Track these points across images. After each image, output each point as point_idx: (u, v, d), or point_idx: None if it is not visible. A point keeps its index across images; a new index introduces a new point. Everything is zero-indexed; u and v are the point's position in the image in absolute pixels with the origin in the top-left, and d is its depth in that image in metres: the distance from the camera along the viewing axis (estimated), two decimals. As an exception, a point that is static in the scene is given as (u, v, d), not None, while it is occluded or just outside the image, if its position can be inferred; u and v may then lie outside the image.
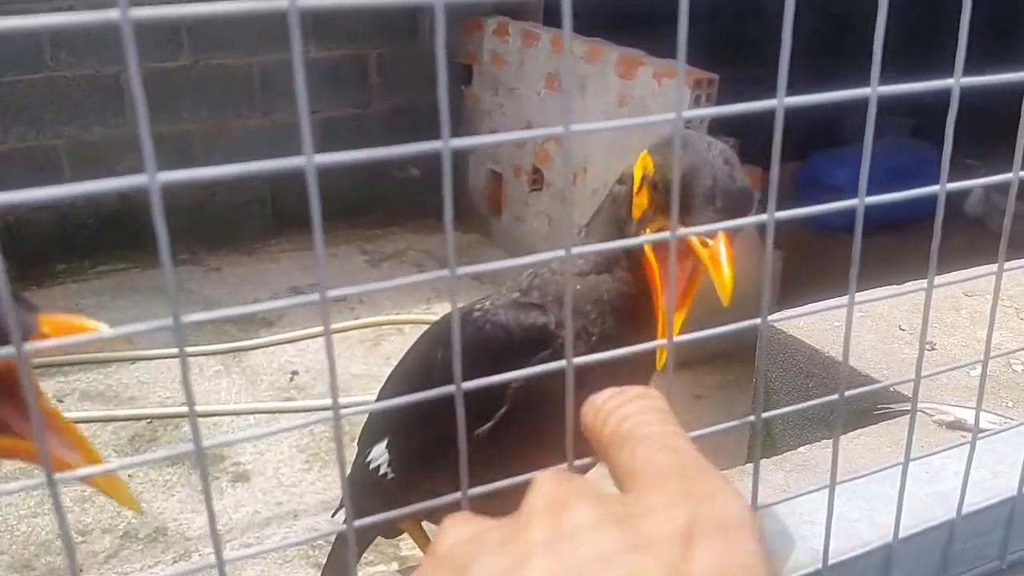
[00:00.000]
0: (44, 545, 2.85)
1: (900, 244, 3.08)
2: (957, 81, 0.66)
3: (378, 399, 1.33)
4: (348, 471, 1.35)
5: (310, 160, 0.46)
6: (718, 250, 0.92)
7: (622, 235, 1.04)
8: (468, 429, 0.89)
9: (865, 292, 1.84)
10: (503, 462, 0.86)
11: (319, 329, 3.90)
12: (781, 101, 0.60)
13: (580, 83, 4.19)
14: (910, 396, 1.60)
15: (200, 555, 2.86)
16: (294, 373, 3.74)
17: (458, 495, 0.59)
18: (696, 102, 3.68)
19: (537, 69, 4.48)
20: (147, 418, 3.45)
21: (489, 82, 4.83)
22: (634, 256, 1.02)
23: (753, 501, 0.74)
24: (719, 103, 3.70)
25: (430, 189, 4.84)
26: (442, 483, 1.14)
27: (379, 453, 1.26)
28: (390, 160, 0.46)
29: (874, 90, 0.63)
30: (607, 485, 0.46)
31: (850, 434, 1.57)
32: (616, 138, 3.96)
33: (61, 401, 3.53)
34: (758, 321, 0.67)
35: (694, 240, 0.92)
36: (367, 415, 1.34)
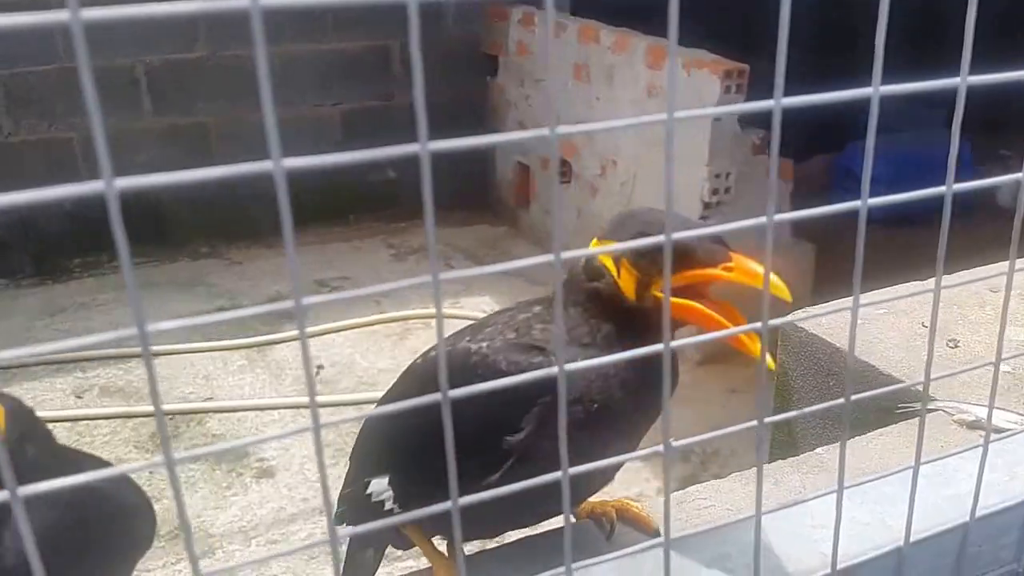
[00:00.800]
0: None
1: (929, 237, 3.00)
2: (963, 80, 0.66)
3: (366, 434, 1.32)
4: (344, 487, 1.35)
5: (278, 164, 0.45)
6: (744, 263, 0.98)
7: (619, 317, 1.06)
8: (477, 479, 0.91)
9: (874, 292, 1.79)
10: (512, 502, 0.90)
11: (345, 323, 3.85)
12: (778, 102, 0.60)
13: (607, 74, 4.11)
14: (931, 395, 1.57)
15: (224, 552, 2.79)
16: (319, 367, 3.67)
17: (447, 505, 0.62)
18: (726, 92, 3.60)
19: (564, 59, 4.40)
20: (168, 414, 3.39)
21: (515, 73, 4.75)
22: (651, 327, 1.02)
23: (757, 507, 0.74)
24: (750, 94, 3.62)
25: (456, 183, 4.76)
26: (472, 526, 1.15)
27: (381, 489, 1.24)
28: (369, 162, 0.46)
29: (876, 90, 0.63)
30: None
31: (870, 434, 1.55)
32: (646, 129, 3.87)
33: (80, 397, 3.47)
34: (758, 325, 0.68)
35: (716, 271, 0.99)
36: (361, 441, 1.34)
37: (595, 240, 1.10)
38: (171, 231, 4.57)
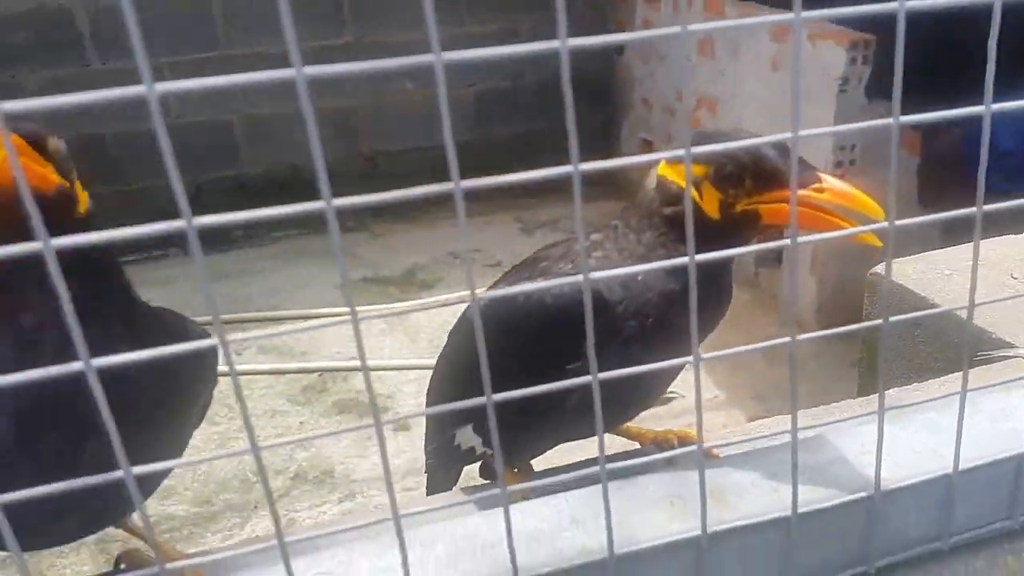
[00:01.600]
0: (222, 483, 3.13)
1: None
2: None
3: (438, 390, 1.40)
4: (427, 443, 1.45)
5: (300, 72, 0.50)
6: (835, 184, 0.97)
7: (698, 236, 1.12)
8: (555, 404, 1.07)
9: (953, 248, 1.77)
10: (567, 416, 1.05)
11: (462, 293, 4.08)
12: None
13: (733, 47, 4.17)
14: (1011, 342, 1.56)
15: (364, 496, 3.05)
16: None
17: (482, 400, 0.65)
18: (852, 63, 3.61)
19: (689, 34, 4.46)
20: (317, 371, 3.70)
21: (640, 50, 4.86)
22: (734, 240, 1.04)
23: (793, 425, 0.77)
24: (876, 66, 3.62)
25: (581, 159, 4.87)
26: (543, 442, 1.25)
27: (468, 437, 1.28)
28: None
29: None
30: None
31: (942, 378, 1.57)
32: (771, 99, 3.92)
33: (239, 354, 3.82)
34: (787, 241, 0.69)
35: (806, 192, 0.97)
36: (434, 398, 1.40)
37: (663, 164, 1.10)
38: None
